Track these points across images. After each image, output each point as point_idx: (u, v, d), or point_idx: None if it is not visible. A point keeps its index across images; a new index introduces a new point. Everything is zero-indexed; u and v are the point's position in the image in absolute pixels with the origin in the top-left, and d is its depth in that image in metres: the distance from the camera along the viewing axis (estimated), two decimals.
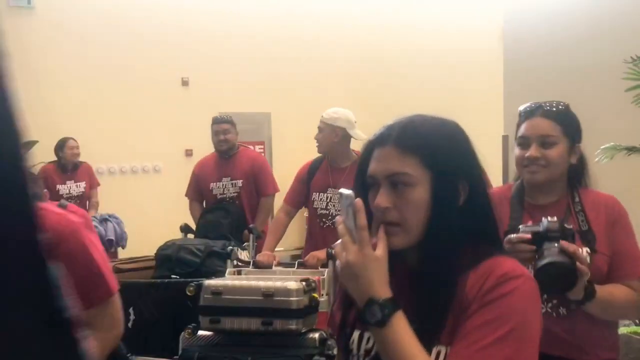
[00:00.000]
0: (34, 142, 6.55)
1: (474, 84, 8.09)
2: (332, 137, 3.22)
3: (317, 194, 3.28)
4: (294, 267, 3.00)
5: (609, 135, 2.18)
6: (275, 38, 7.78)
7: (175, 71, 7.32)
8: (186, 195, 4.48)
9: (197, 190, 4.44)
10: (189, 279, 3.00)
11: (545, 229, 1.42)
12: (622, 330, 2.03)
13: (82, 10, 6.97)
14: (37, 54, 6.77)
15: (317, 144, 3.32)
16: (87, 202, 5.53)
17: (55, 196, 5.25)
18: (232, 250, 3.35)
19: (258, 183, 4.30)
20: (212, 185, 4.30)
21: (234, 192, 4.27)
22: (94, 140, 6.40)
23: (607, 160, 1.96)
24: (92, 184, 5.58)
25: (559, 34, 2.97)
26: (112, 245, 4.93)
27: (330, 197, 3.24)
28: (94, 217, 5.00)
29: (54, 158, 5.62)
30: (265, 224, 4.32)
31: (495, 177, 3.79)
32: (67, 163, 5.43)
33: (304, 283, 2.47)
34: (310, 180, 3.34)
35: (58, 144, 5.50)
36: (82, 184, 5.46)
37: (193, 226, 4.27)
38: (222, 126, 4.42)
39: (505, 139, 3.34)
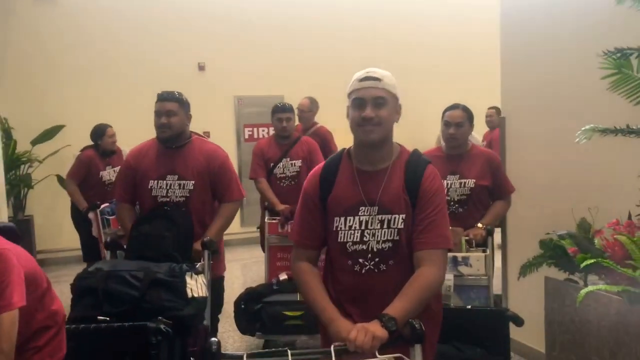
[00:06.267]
0: (60, 127, 6.88)
1: (474, 69, 8.29)
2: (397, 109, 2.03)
3: (339, 218, 1.99)
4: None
5: (588, 117, 2.41)
6: (289, 23, 7.98)
7: (192, 56, 7.59)
8: (113, 194, 3.38)
9: (130, 187, 3.27)
10: (126, 323, 2.23)
11: None
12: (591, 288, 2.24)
13: (103, 1, 7.22)
14: (57, 44, 7.05)
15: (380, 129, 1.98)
16: None
17: (99, 182, 5.31)
18: (184, 274, 2.53)
19: (218, 186, 3.26)
20: (152, 183, 3.18)
21: (181, 196, 3.17)
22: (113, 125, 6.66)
23: (586, 140, 2.18)
24: None
25: (554, 24, 3.14)
26: None
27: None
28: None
29: (78, 142, 5.74)
30: (222, 237, 3.37)
31: None
32: (106, 150, 5.42)
33: None
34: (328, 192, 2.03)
35: (96, 131, 5.42)
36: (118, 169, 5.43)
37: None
38: (165, 105, 3.15)
39: (502, 120, 3.54)
